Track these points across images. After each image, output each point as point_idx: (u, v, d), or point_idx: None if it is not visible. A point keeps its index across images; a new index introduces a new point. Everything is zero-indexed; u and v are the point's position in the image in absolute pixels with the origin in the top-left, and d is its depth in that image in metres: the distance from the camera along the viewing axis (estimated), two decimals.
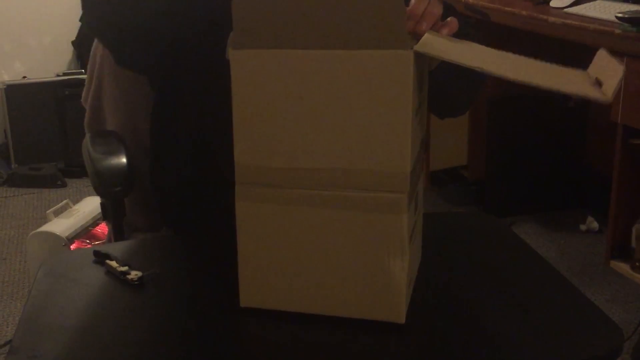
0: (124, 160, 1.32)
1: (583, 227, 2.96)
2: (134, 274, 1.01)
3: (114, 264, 1.04)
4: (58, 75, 3.86)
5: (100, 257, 1.08)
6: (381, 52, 0.82)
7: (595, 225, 2.94)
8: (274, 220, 0.89)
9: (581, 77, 0.88)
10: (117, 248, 1.18)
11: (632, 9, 2.43)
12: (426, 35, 0.88)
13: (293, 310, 0.91)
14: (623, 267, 2.60)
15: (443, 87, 1.04)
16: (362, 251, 0.87)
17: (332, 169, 0.86)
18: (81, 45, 3.94)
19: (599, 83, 0.85)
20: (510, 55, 0.90)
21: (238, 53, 0.85)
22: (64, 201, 2.69)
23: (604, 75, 0.86)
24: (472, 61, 0.85)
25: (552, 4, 2.76)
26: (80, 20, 3.98)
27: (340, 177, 0.86)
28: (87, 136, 2.17)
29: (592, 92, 0.83)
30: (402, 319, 0.89)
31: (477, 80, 1.17)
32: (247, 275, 0.92)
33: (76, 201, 2.75)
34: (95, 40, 2.15)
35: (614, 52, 0.90)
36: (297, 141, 0.86)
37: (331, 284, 0.90)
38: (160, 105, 1.30)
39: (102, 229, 2.54)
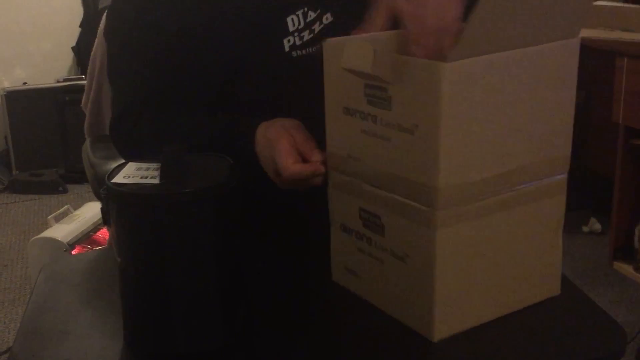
0: None
1: (586, 229, 2.96)
2: None
3: None
4: (58, 81, 3.87)
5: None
6: (553, 45, 0.84)
7: (598, 226, 2.94)
8: (472, 236, 0.85)
9: None
10: None
11: None
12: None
13: (485, 322, 0.89)
14: (626, 269, 2.60)
15: None
16: (535, 237, 0.91)
17: (515, 169, 0.86)
18: (81, 51, 3.95)
19: None
20: None
21: (450, 66, 0.78)
22: (65, 207, 2.69)
23: None
24: None
25: None
26: (80, 26, 3.99)
27: (519, 175, 0.87)
28: (87, 141, 2.17)
29: None
30: (558, 291, 0.94)
31: None
32: (444, 304, 0.85)
33: (77, 207, 2.75)
34: (95, 45, 2.15)
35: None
36: (489, 149, 0.83)
37: (512, 281, 0.91)
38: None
39: (103, 234, 2.55)
